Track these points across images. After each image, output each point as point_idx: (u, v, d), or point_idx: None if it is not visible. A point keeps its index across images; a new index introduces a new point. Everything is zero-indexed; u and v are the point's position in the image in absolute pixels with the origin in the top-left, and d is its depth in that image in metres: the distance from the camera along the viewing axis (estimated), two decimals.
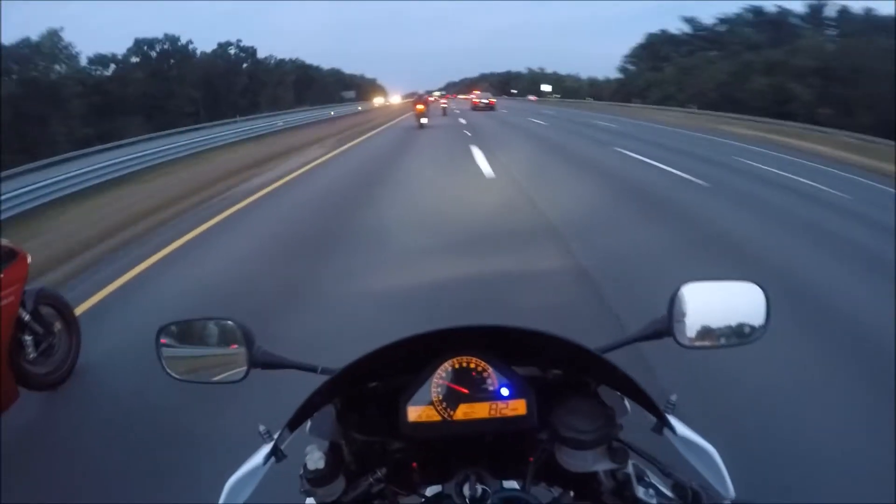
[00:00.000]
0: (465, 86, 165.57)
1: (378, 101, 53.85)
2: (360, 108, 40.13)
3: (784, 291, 3.71)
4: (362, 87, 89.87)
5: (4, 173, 9.01)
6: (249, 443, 0.75)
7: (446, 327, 0.70)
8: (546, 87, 55.00)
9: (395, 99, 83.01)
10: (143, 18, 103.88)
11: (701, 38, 49.97)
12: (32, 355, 2.79)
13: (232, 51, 56.26)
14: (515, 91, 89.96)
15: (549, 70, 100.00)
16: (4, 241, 2.80)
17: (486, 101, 36.97)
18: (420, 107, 20.65)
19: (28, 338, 2.78)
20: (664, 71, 48.06)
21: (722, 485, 0.67)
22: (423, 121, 20.16)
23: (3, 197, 7.48)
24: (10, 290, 2.62)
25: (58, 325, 3.02)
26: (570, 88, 73.65)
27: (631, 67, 59.90)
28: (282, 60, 65.15)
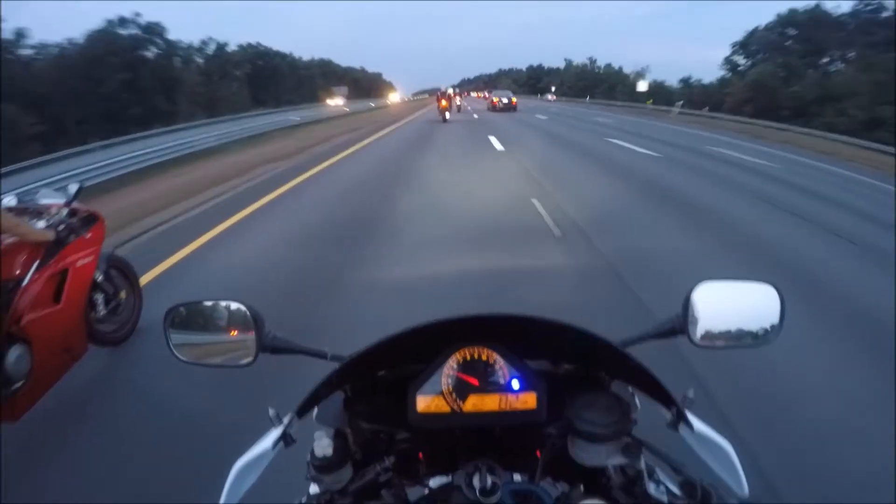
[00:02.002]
0: (483, 82, 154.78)
1: (374, 102, 44.12)
2: (348, 109, 31.35)
3: None
4: (361, 83, 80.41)
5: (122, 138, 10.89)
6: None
7: (457, 316, 0.69)
8: (642, 86, 40.86)
9: (402, 97, 76.43)
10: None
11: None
12: (102, 313, 3.05)
13: (127, 31, 33.95)
14: (552, 92, 68.97)
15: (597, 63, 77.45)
16: (83, 206, 3.03)
17: (506, 100, 31.68)
18: (444, 103, 23.32)
19: (99, 297, 3.04)
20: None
21: (737, 482, 0.66)
22: (447, 115, 22.57)
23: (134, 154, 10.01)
24: (90, 251, 2.87)
25: (123, 288, 3.27)
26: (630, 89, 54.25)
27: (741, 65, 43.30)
28: (221, 45, 47.92)
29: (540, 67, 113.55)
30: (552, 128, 19.64)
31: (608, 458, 0.68)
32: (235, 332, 0.84)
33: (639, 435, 0.70)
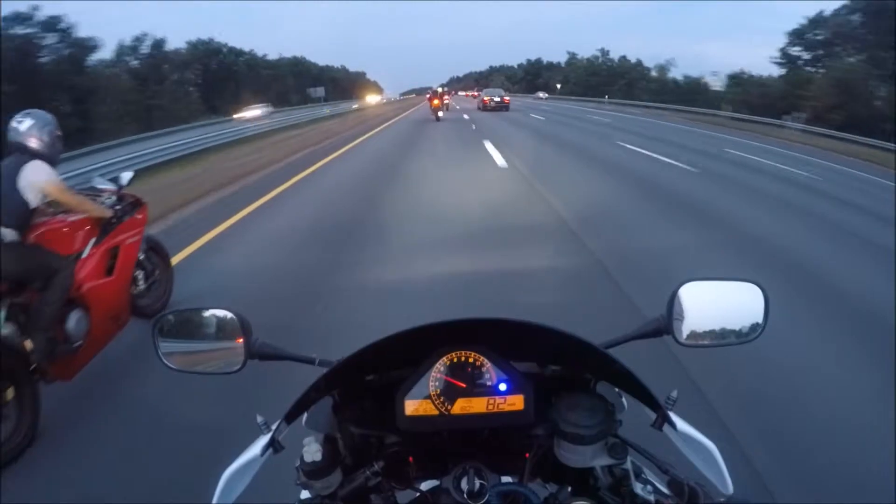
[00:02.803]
0: (474, 80, 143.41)
1: (355, 104, 40.93)
2: (327, 110, 29.34)
3: None
4: (342, 83, 73.39)
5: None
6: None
7: (444, 320, 0.70)
8: (716, 84, 34.07)
9: (387, 97, 72.27)
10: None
11: None
12: (141, 288, 3.45)
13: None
14: (545, 90, 62.34)
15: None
16: (129, 192, 3.43)
17: (498, 98, 29.90)
18: (436, 102, 23.99)
19: (140, 273, 3.43)
20: None
21: (721, 481, 0.67)
22: (441, 114, 23.17)
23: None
24: (137, 232, 3.31)
25: (158, 267, 3.68)
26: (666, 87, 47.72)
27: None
28: (158, 43, 38.34)
29: (538, 62, 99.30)
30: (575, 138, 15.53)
31: (594, 458, 0.69)
32: (224, 339, 0.84)
33: (625, 435, 0.71)
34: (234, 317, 0.83)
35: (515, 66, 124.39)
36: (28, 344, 2.50)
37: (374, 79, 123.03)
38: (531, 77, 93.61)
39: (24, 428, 2.31)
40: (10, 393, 2.30)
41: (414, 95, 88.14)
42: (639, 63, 60.56)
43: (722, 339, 0.85)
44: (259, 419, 0.73)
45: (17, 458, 2.25)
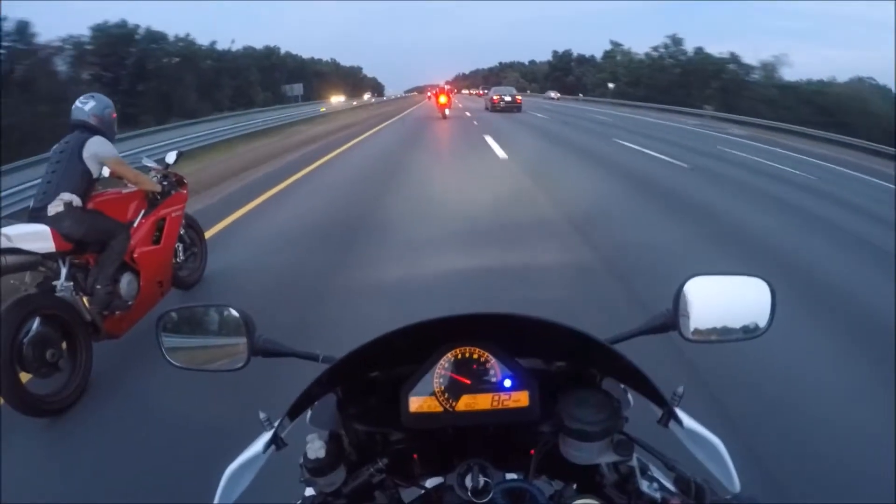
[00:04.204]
0: (482, 77, 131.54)
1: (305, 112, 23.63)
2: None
3: None
4: (329, 79, 62.29)
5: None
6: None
7: (448, 316, 0.69)
8: None
9: (390, 94, 63.94)
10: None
11: None
12: (181, 259, 3.78)
13: None
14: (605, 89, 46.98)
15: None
16: (172, 171, 3.70)
17: (509, 98, 26.68)
18: (443, 100, 23.50)
19: (179, 246, 3.75)
20: None
21: (728, 478, 0.67)
22: (447, 112, 22.54)
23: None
24: (180, 207, 3.63)
25: (195, 241, 4.00)
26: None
27: None
28: (22, 26, 22.94)
29: (567, 55, 77.16)
30: None
31: (599, 455, 0.68)
32: (227, 336, 0.84)
33: (631, 432, 0.70)
34: (238, 314, 0.83)
35: (527, 63, 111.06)
36: (85, 301, 2.76)
37: (372, 74, 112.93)
38: (561, 73, 73.42)
39: (77, 380, 2.54)
40: (64, 346, 2.54)
41: (416, 94, 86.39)
42: (734, 59, 39.22)
43: (728, 335, 0.84)
44: (262, 415, 0.73)
45: (68, 409, 2.45)
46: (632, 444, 0.68)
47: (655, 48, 47.33)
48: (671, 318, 0.83)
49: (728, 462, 0.66)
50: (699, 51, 43.94)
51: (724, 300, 0.84)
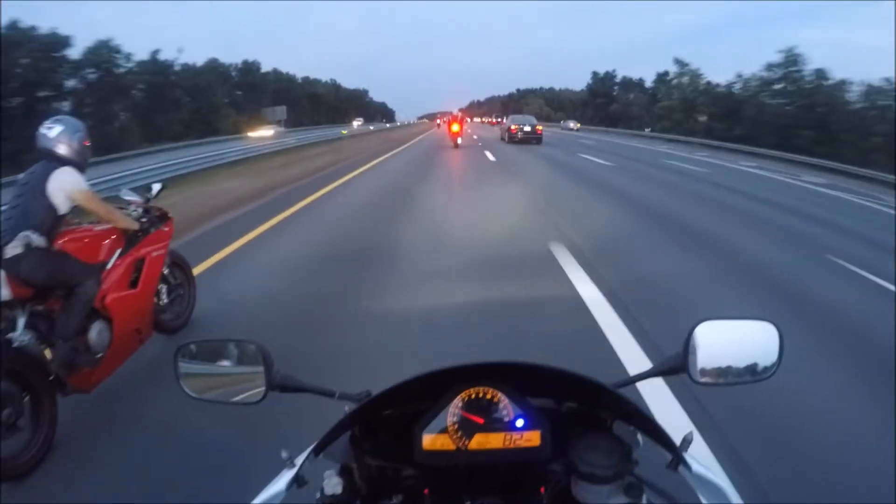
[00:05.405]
0: (500, 104, 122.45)
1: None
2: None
3: None
4: (327, 102, 56.08)
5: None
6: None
7: (463, 364, 0.71)
8: None
9: (402, 120, 60.37)
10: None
11: None
12: (164, 302, 3.36)
13: None
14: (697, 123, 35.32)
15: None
16: (156, 205, 3.36)
17: (528, 128, 23.81)
18: (455, 128, 22.02)
19: (163, 287, 3.34)
20: None
21: None
22: (459, 140, 21.12)
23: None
24: (162, 245, 3.23)
25: (181, 281, 3.59)
26: None
27: None
28: None
29: (609, 78, 62.84)
30: None
31: (610, 497, 0.69)
32: (245, 370, 0.86)
33: (641, 473, 0.71)
34: (256, 348, 0.85)
35: (539, 90, 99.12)
36: (48, 353, 2.44)
37: (381, 99, 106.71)
38: (604, 100, 59.19)
39: (38, 441, 2.23)
40: (26, 404, 2.22)
41: (426, 120, 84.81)
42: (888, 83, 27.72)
43: (737, 378, 0.85)
44: (283, 454, 0.75)
45: (30, 472, 2.15)
46: (642, 487, 0.69)
47: (769, 66, 33.79)
48: (681, 361, 0.84)
49: None
50: (820, 73, 31.37)
51: (733, 344, 0.86)
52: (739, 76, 37.14)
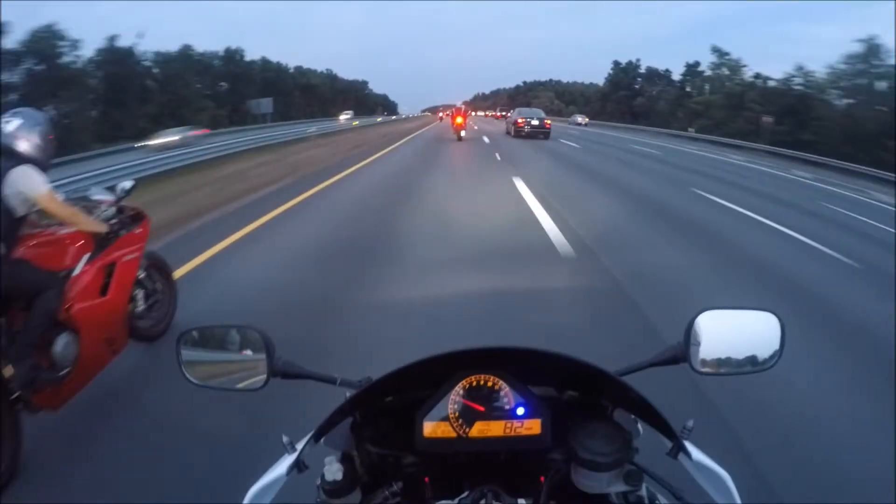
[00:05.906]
0: (506, 97, 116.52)
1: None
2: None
3: None
4: (322, 95, 52.26)
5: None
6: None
7: (464, 349, 0.71)
8: None
9: (405, 112, 58.38)
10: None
11: None
12: (141, 308, 3.10)
13: None
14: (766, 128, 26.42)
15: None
16: (129, 204, 3.14)
17: (536, 121, 23.08)
18: (459, 120, 21.75)
19: (139, 292, 3.09)
20: None
21: None
22: (462, 133, 21.00)
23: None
24: (136, 248, 2.96)
25: (160, 285, 3.33)
26: None
27: None
28: None
29: (633, 67, 55.07)
30: None
31: (610, 485, 0.70)
32: (246, 357, 0.86)
33: (640, 461, 0.71)
34: (258, 334, 0.85)
35: (549, 82, 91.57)
36: (8, 370, 2.20)
37: (382, 91, 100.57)
38: (627, 94, 52.27)
39: (2, 463, 2.05)
40: None
41: (429, 114, 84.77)
42: None
43: (738, 368, 0.86)
44: (284, 439, 0.75)
45: None
46: (641, 475, 0.69)
47: (849, 59, 27.49)
48: (682, 351, 0.84)
49: (735, 495, 0.68)
50: None
51: (734, 333, 0.86)
52: (800, 69, 31.82)
